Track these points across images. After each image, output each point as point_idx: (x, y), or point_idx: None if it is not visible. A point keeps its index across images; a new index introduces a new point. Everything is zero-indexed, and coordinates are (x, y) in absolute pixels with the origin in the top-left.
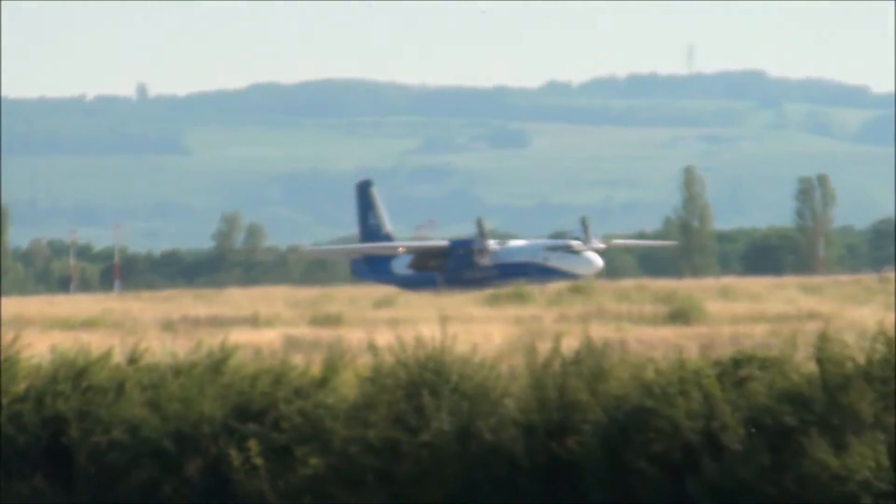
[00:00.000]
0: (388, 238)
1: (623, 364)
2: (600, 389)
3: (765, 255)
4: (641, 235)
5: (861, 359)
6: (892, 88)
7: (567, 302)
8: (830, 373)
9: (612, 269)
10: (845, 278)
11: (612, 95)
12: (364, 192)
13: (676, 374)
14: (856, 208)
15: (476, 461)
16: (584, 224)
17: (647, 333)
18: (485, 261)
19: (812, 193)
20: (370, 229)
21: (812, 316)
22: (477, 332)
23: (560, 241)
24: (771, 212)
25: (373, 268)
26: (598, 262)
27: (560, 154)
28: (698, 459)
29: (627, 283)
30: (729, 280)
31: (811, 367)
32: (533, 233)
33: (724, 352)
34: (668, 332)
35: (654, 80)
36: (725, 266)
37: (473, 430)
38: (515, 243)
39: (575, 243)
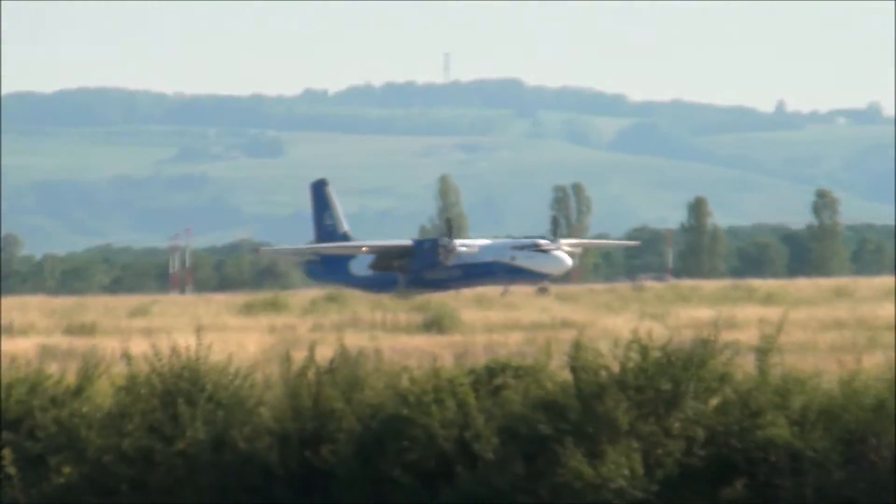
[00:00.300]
0: (345, 238)
1: (378, 373)
2: (355, 398)
3: None
4: None
5: (615, 367)
6: (648, 97)
7: (322, 310)
8: (585, 381)
9: None
10: (600, 287)
11: (369, 104)
12: (319, 192)
13: (431, 382)
14: (611, 216)
15: (230, 469)
16: (554, 223)
17: (402, 342)
18: (450, 260)
19: (567, 202)
20: (326, 230)
21: (566, 324)
22: (232, 341)
23: (528, 240)
24: (527, 220)
25: (329, 269)
26: (568, 260)
27: (316, 162)
28: (452, 468)
29: None
30: (484, 288)
31: (566, 376)
32: (290, 241)
33: (479, 360)
34: (423, 341)
35: (410, 88)
36: None
37: (228, 438)
38: (480, 242)
39: (543, 242)
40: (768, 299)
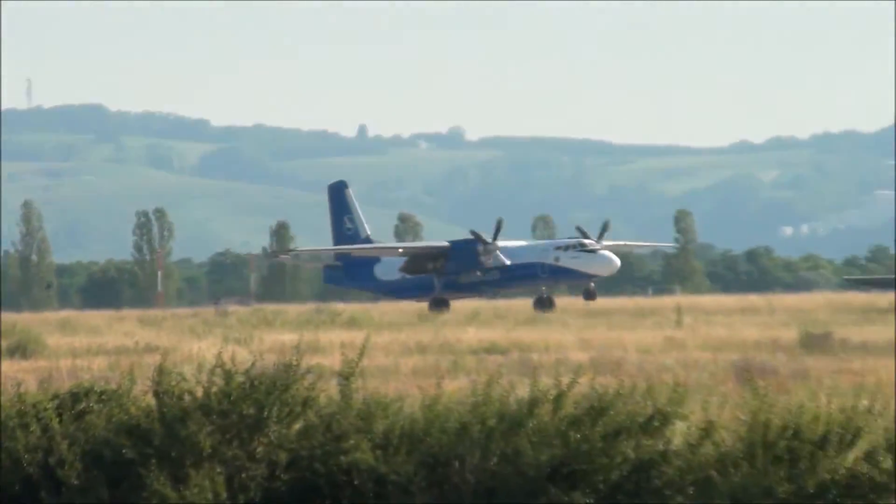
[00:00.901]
0: (368, 242)
1: None
2: None
3: (104, 288)
4: None
5: (199, 392)
6: (231, 122)
7: None
8: (168, 405)
9: None
10: (184, 311)
11: None
12: (338, 194)
13: (15, 407)
14: (194, 241)
15: None
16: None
17: None
18: (490, 261)
19: (150, 226)
20: (346, 234)
21: (151, 349)
22: None
23: (573, 240)
24: (111, 245)
25: (352, 275)
26: (616, 261)
27: None
28: (37, 494)
29: None
30: (68, 313)
31: (150, 401)
32: None
33: (63, 385)
34: (8, 366)
35: None
36: (65, 299)
37: None
38: (520, 243)
39: (589, 241)
40: (352, 323)
